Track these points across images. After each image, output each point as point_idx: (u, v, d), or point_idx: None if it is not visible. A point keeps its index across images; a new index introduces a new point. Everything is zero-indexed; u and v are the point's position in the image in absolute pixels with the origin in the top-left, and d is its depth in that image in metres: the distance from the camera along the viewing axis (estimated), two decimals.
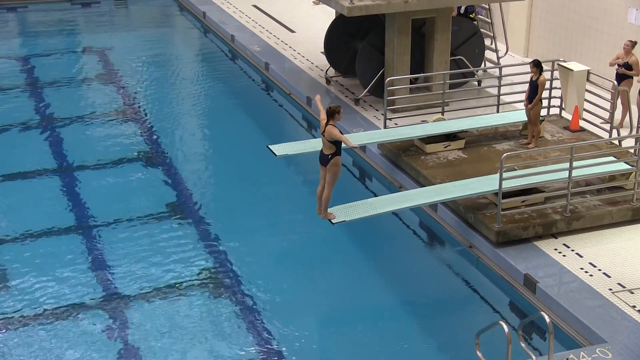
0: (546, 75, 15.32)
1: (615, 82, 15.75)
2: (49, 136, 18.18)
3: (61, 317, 11.66)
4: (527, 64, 15.75)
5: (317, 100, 12.75)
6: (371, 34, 18.10)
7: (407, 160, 14.85)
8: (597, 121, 15.75)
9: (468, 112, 16.63)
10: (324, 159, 12.31)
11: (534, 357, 9.39)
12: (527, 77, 15.36)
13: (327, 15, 22.87)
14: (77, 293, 12.22)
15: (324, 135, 12.15)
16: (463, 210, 13.13)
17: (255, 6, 26.96)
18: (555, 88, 16.32)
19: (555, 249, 12.35)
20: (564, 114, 16.44)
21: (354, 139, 14.77)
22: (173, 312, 11.74)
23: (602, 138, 15.23)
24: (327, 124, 12.09)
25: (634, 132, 15.84)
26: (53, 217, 14.49)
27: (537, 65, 14.66)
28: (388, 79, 16.38)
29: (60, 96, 20.71)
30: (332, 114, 12.10)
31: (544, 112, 15.99)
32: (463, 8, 19.95)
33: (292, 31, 24.14)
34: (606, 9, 18.31)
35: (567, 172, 12.68)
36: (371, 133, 15.74)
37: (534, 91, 14.66)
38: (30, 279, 12.57)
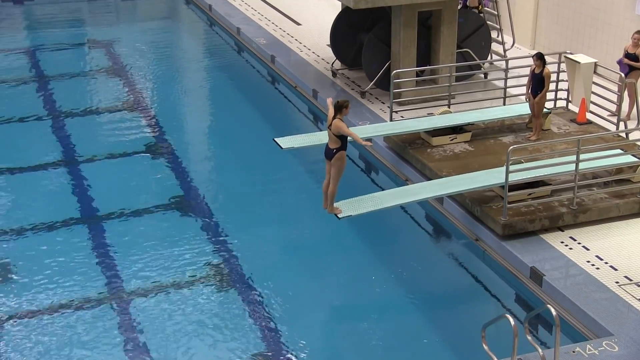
0: (553, 67, 15.25)
1: (622, 74, 15.69)
2: (55, 129, 18.19)
3: (65, 310, 11.67)
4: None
5: (329, 104, 12.64)
6: (377, 27, 18.05)
7: (413, 153, 14.83)
8: (604, 114, 15.71)
9: (474, 105, 16.60)
10: (329, 153, 12.30)
11: (540, 350, 9.38)
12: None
13: (333, 8, 22.82)
14: (82, 286, 12.22)
15: (330, 129, 12.13)
16: (469, 203, 13.11)
17: None
18: (562, 80, 16.26)
19: (562, 242, 12.32)
20: (570, 106, 16.39)
21: (360, 132, 14.75)
22: (178, 306, 11.74)
23: (609, 130, 15.18)
24: (334, 117, 12.09)
25: None
26: (58, 209, 14.51)
27: (541, 58, 14.60)
28: (394, 71, 16.36)
29: (66, 89, 20.73)
30: (339, 108, 12.08)
31: (550, 104, 15.97)
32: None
33: (298, 24, 24.09)
34: (613, 0, 18.22)
35: (574, 164, 12.65)
36: (377, 126, 15.71)
37: (538, 84, 14.60)
38: (35, 272, 12.58)
